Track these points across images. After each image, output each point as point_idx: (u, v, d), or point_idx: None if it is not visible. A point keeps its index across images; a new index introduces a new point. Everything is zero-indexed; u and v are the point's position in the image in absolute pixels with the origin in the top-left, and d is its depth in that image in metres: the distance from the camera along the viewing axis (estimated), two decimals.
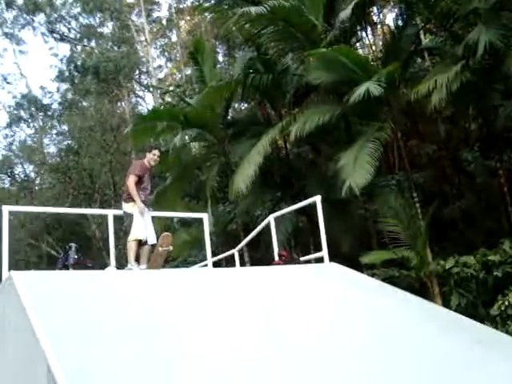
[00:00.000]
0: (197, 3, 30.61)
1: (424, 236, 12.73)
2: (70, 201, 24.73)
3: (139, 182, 7.67)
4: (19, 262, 24.28)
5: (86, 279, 5.90)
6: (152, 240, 7.82)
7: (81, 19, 33.73)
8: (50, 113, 33.49)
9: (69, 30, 33.61)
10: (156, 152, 8.02)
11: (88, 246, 24.28)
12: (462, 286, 12.17)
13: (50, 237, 26.01)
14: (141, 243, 7.65)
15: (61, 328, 4.26)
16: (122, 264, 9.08)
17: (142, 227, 7.60)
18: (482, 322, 7.99)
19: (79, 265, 7.20)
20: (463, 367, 4.76)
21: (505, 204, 14.27)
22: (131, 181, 7.60)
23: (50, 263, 22.56)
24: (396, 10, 20.92)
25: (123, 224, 7.81)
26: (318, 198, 8.60)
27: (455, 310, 10.04)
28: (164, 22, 37.28)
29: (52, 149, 32.86)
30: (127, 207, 7.64)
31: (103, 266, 9.22)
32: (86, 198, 26.00)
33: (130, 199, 7.59)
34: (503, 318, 11.11)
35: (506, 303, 11.12)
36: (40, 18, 32.90)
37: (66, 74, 32.82)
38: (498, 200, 15.79)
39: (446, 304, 11.71)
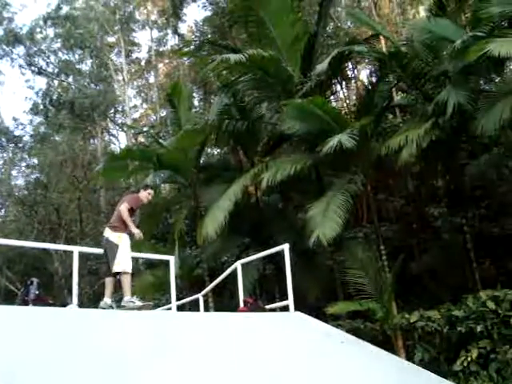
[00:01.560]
0: (177, 47, 31.31)
1: (390, 289, 12.79)
2: (35, 235, 24.21)
3: (130, 213, 7.52)
4: None
5: (47, 316, 5.73)
6: None
7: (60, 54, 33.86)
8: (20, 145, 33.10)
9: (47, 63, 33.61)
10: (151, 191, 7.98)
11: (49, 283, 23.68)
12: (426, 341, 12.18)
13: (10, 271, 25.30)
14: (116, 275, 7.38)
15: (17, 365, 4.12)
16: (82, 302, 8.85)
17: (130, 259, 7.39)
18: (444, 377, 7.95)
19: (40, 301, 7.00)
20: None
21: (469, 260, 14.47)
22: (125, 209, 7.43)
23: (8, 298, 21.91)
24: (370, 66, 21.67)
25: (105, 255, 7.49)
26: (286, 247, 8.64)
27: (418, 365, 10.00)
28: (143, 63, 37.71)
29: (20, 181, 32.40)
30: (114, 237, 7.38)
31: (64, 304, 8.99)
32: (51, 233, 25.52)
33: (118, 228, 7.38)
34: (466, 374, 11.10)
35: (469, 359, 11.14)
36: (19, 50, 32.90)
37: (41, 107, 32.66)
38: (462, 256, 16.02)
39: (410, 358, 11.68)
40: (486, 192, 18.42)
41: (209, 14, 27.86)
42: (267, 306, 9.33)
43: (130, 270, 7.32)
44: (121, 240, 7.31)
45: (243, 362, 5.51)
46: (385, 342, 12.33)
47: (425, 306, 13.13)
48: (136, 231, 7.34)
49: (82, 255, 8.02)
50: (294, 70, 15.10)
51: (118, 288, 7.58)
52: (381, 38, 19.10)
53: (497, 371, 10.96)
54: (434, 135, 12.83)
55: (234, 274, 9.75)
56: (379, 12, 27.35)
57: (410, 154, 12.61)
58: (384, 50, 18.20)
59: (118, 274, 7.28)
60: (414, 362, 10.74)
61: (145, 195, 7.87)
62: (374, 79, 17.48)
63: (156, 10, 36.07)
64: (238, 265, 9.53)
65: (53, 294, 21.51)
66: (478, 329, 11.34)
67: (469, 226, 15.00)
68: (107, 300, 7.29)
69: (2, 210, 31.95)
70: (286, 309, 8.51)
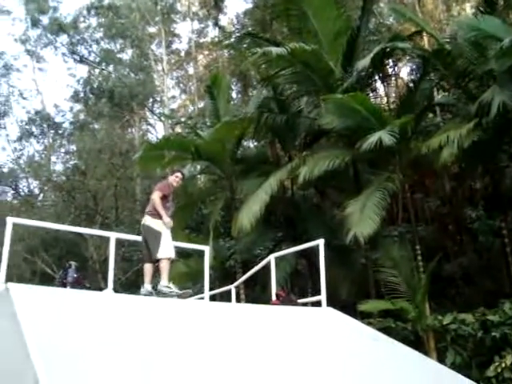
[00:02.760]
0: (217, 39, 31.39)
1: (424, 289, 12.64)
2: (71, 220, 24.56)
3: (163, 200, 7.59)
4: (13, 276, 24.07)
5: (85, 299, 5.83)
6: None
7: (102, 43, 34.29)
8: (60, 131, 33.68)
9: (89, 52, 34.12)
10: (179, 174, 8.00)
11: (84, 267, 24.10)
12: (459, 344, 11.99)
13: (47, 254, 25.82)
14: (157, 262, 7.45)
15: (54, 346, 4.20)
16: (116, 288, 8.95)
17: (172, 246, 7.49)
18: (477, 382, 7.85)
19: (78, 284, 7.13)
20: None
21: (507, 264, 14.17)
22: (156, 196, 7.52)
23: (44, 280, 22.34)
24: (411, 64, 21.35)
25: (145, 242, 7.58)
26: (320, 242, 8.58)
27: (450, 368, 9.87)
28: (182, 54, 37.89)
29: (58, 167, 32.98)
30: (154, 223, 7.44)
31: (99, 288, 9.13)
32: (87, 219, 25.89)
33: (158, 216, 7.44)
34: (499, 381, 10.91)
35: (503, 365, 10.94)
36: (63, 38, 33.42)
37: (81, 95, 33.15)
38: (499, 260, 15.73)
39: (441, 361, 11.52)
40: None
41: (250, 6, 27.87)
42: (300, 300, 9.31)
43: (173, 256, 7.42)
44: (162, 227, 7.40)
45: (275, 355, 5.51)
46: (416, 343, 12.18)
47: (457, 308, 12.96)
48: (166, 220, 7.39)
49: (117, 242, 8.10)
50: (335, 64, 14.99)
51: (156, 275, 7.66)
52: (424, 35, 18.80)
53: None
54: (476, 136, 12.59)
55: (266, 266, 9.74)
56: (422, 9, 26.89)
57: (450, 154, 12.43)
58: (427, 47, 17.90)
59: (158, 260, 7.36)
60: (445, 365, 10.59)
61: (173, 179, 7.92)
62: (415, 77, 17.22)
63: (197, 1, 36.18)
64: (271, 258, 9.51)
65: (88, 277, 21.89)
66: None
67: (508, 230, 14.68)
68: (148, 286, 7.38)
69: (41, 195, 32.62)
70: (317, 304, 8.46)
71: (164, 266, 7.30)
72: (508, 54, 11.96)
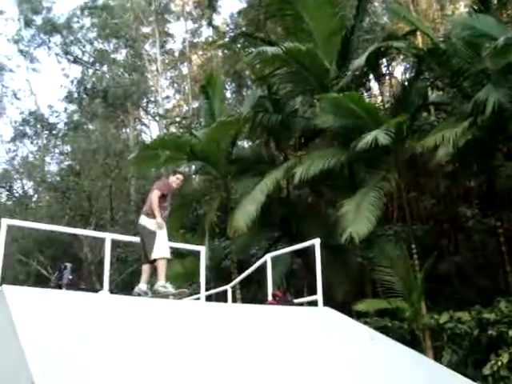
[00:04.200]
0: (211, 39, 31.38)
1: (420, 288, 12.65)
2: (66, 221, 24.47)
3: (162, 199, 7.56)
4: (6, 277, 23.94)
5: (81, 301, 5.80)
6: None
7: (96, 44, 34.24)
8: (54, 132, 33.53)
9: (83, 52, 34.07)
10: (180, 176, 8.00)
11: (79, 268, 24.02)
12: (455, 343, 12.01)
13: (41, 255, 25.72)
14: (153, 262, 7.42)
15: (50, 348, 4.17)
16: (111, 289, 8.91)
17: (168, 246, 7.45)
18: (473, 381, 7.83)
19: (73, 286, 7.08)
20: None
21: (502, 263, 14.20)
22: (155, 195, 7.48)
23: (38, 282, 22.26)
24: (405, 63, 21.38)
25: (142, 242, 7.54)
26: (316, 242, 8.57)
27: (446, 367, 9.87)
28: (177, 54, 37.85)
29: (53, 167, 32.86)
30: (150, 223, 7.44)
31: (94, 289, 9.08)
32: (82, 219, 25.80)
33: (153, 215, 7.43)
34: (495, 379, 10.94)
35: (499, 363, 10.97)
36: (56, 39, 33.39)
37: (75, 95, 33.03)
38: (494, 259, 15.77)
39: (437, 359, 11.54)
40: None
41: (244, 6, 27.85)
42: (296, 300, 9.30)
43: (168, 256, 7.38)
44: (157, 227, 7.36)
45: (272, 355, 5.50)
46: (412, 342, 12.19)
47: (453, 307, 12.97)
48: (159, 220, 7.36)
49: (112, 242, 8.07)
50: (330, 64, 14.99)
51: (153, 275, 7.64)
52: (418, 34, 18.81)
53: None
54: (472, 134, 12.61)
55: (262, 267, 9.72)
56: (416, 7, 26.92)
57: (445, 153, 12.44)
58: (421, 46, 17.91)
59: (154, 260, 7.33)
60: (441, 364, 10.60)
61: (173, 180, 7.91)
62: (410, 76, 17.24)
63: (191, 1, 36.15)
64: (267, 258, 9.49)
65: (83, 279, 21.82)
66: (510, 333, 11.15)
67: (503, 228, 14.71)
68: (142, 286, 7.36)
69: (35, 196, 32.51)
70: (314, 304, 8.45)
71: (161, 266, 7.28)
72: (502, 53, 11.99)
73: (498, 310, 11.74)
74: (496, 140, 14.47)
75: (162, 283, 7.25)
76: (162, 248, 7.31)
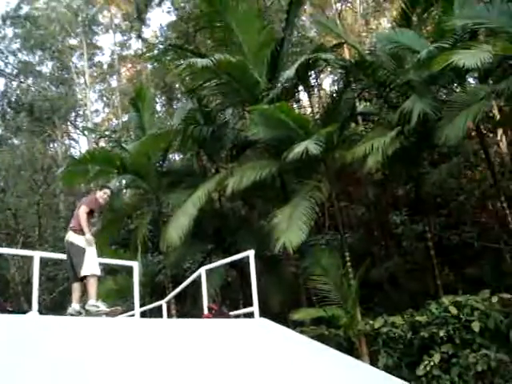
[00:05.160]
0: (140, 51, 31.03)
1: (355, 295, 12.85)
2: None
3: (89, 216, 7.30)
4: None
5: (8, 323, 5.49)
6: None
7: (19, 55, 33.16)
8: None
9: (5, 64, 32.86)
10: (107, 191, 7.76)
11: (5, 289, 23.01)
12: (390, 346, 12.27)
13: None
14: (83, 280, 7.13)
15: None
16: (41, 310, 8.53)
17: (97, 263, 7.17)
18: (408, 382, 8.03)
19: None
20: None
21: (432, 267, 14.68)
22: (83, 211, 7.21)
23: None
24: (333, 75, 21.92)
25: (70, 260, 7.23)
26: (251, 253, 8.58)
27: (382, 370, 10.07)
28: (105, 66, 37.21)
29: None
30: (78, 240, 7.15)
31: (22, 311, 8.66)
32: (7, 238, 24.76)
33: (81, 231, 7.14)
34: (428, 379, 11.26)
35: (432, 364, 11.31)
36: None
37: None
38: (423, 263, 16.28)
39: (374, 364, 11.73)
40: (446, 200, 18.82)
41: (173, 18, 27.74)
42: (232, 313, 9.24)
43: (98, 273, 7.12)
44: (87, 243, 7.12)
45: (209, 369, 5.42)
46: (349, 348, 12.39)
47: (386, 312, 13.26)
48: (89, 237, 7.14)
49: (40, 261, 7.73)
50: (260, 76, 15.11)
51: (84, 293, 7.35)
52: (345, 47, 19.32)
53: (458, 375, 11.19)
54: (399, 143, 13.02)
55: (197, 280, 9.62)
56: (343, 22, 27.74)
57: (375, 162, 12.76)
58: (348, 58, 18.40)
59: (84, 278, 7.07)
60: (378, 368, 10.81)
61: (100, 195, 7.69)
62: (337, 87, 17.65)
63: (120, 13, 35.70)
64: (202, 271, 9.40)
65: (9, 301, 20.86)
66: (441, 334, 11.54)
67: (431, 233, 15.23)
68: (75, 306, 7.07)
69: None
70: (250, 315, 8.42)
71: (90, 284, 7.02)
72: (425, 66, 12.46)
73: (429, 313, 12.10)
74: (422, 148, 15.02)
75: (92, 302, 6.99)
76: (91, 265, 7.05)
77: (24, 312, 8.04)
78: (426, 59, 12.20)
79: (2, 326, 5.36)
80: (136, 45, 34.57)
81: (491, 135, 19.25)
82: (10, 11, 31.87)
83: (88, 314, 6.96)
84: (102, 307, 7.01)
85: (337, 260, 13.90)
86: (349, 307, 12.76)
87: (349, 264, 13.70)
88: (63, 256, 7.72)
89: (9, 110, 31.16)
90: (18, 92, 31.75)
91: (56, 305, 20.60)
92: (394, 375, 7.29)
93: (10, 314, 6.85)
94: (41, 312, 8.08)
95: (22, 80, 32.45)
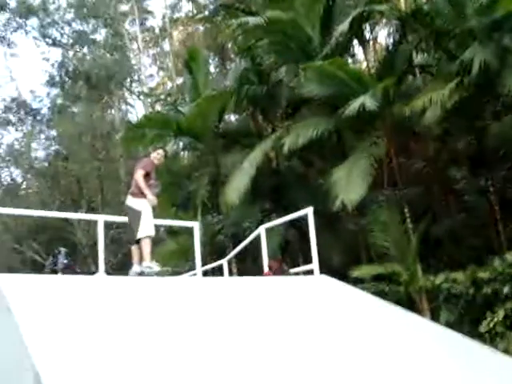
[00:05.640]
0: (191, 13, 30.88)
1: (415, 251, 12.73)
2: (57, 206, 24.40)
3: (146, 178, 7.48)
4: (1, 266, 23.93)
5: (78, 284, 5.75)
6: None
7: (74, 25, 33.54)
8: (39, 117, 33.12)
9: (61, 35, 33.36)
10: (160, 151, 7.92)
11: (73, 252, 23.98)
12: (451, 303, 12.13)
13: (35, 242, 25.63)
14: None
15: (51, 335, 4.12)
16: (107, 271, 8.87)
17: (152, 224, 7.40)
18: (471, 338, 7.93)
19: (68, 270, 7.05)
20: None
21: (494, 222, 14.27)
22: (140, 175, 7.41)
23: (34, 268, 22.20)
24: (388, 27, 21.16)
25: (129, 223, 7.47)
26: (309, 210, 8.56)
27: (444, 326, 9.99)
28: (157, 31, 37.28)
29: (40, 153, 32.53)
30: (135, 203, 7.36)
31: (90, 272, 9.04)
32: (73, 204, 25.70)
33: (139, 194, 7.35)
34: (492, 335, 11.10)
35: (495, 320, 11.12)
36: (33, 21, 32.62)
37: (57, 79, 32.53)
38: (486, 218, 15.84)
39: (435, 320, 11.65)
40: (509, 153, 18.10)
41: None
42: (292, 270, 9.32)
43: (152, 234, 7.31)
44: (143, 206, 7.30)
45: (274, 326, 5.51)
46: (410, 305, 12.31)
47: (447, 268, 13.07)
48: (151, 197, 7.30)
49: (105, 224, 8.01)
50: (313, 32, 14.82)
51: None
52: None
53: None
54: (459, 95, 12.55)
55: (257, 239, 9.72)
56: None
57: (433, 115, 12.42)
58: (404, 9, 17.70)
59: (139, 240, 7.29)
60: (439, 324, 10.73)
61: (154, 156, 7.84)
62: (393, 40, 17.08)
63: None
64: (261, 230, 9.49)
65: (77, 263, 21.79)
66: (505, 290, 11.28)
67: (494, 187, 14.75)
68: (135, 268, 7.31)
69: (24, 183, 32.23)
70: (310, 272, 8.48)
71: (144, 245, 7.22)
72: (487, 11, 11.90)
73: (491, 269, 11.84)
74: (484, 100, 14.43)
75: (146, 263, 7.21)
76: (145, 227, 7.25)
77: (92, 273, 8.41)
78: (490, 3, 11.60)
79: (72, 286, 5.63)
80: (187, 7, 34.40)
81: None
82: None
83: (142, 275, 7.18)
84: (155, 268, 7.22)
85: (396, 216, 13.75)
86: (409, 263, 12.66)
87: (408, 220, 13.53)
88: (126, 219, 7.98)
89: (67, 79, 31.82)
90: (75, 61, 32.31)
91: (122, 266, 21.36)
92: (455, 331, 7.20)
93: (78, 275, 7.20)
94: (107, 273, 8.43)
95: (78, 49, 32.98)
